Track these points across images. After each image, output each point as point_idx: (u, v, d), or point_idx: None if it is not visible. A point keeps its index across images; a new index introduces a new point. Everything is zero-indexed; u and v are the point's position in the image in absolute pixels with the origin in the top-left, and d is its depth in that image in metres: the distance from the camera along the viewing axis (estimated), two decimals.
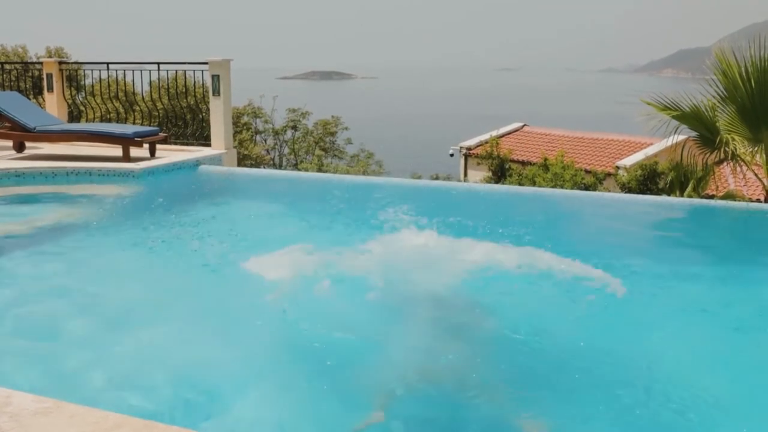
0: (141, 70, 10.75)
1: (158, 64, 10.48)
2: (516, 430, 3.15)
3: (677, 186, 8.74)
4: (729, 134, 7.64)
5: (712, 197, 8.78)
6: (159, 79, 11.30)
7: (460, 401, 3.37)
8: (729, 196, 8.63)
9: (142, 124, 11.27)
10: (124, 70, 10.98)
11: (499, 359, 3.83)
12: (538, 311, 4.53)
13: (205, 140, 10.30)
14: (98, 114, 12.04)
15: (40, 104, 12.05)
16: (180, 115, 11.47)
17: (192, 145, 10.39)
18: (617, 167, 16.98)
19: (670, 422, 3.16)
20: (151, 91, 11.89)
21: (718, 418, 3.23)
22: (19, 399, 2.31)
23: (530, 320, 4.34)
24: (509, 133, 24.91)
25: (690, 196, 8.30)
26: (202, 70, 10.06)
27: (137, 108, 12.18)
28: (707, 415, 3.24)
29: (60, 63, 11.25)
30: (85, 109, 12.56)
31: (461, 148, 23.87)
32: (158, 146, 9.47)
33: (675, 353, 3.85)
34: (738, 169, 7.95)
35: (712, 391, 3.45)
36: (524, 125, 26.06)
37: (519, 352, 3.88)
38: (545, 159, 14.60)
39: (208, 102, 10.10)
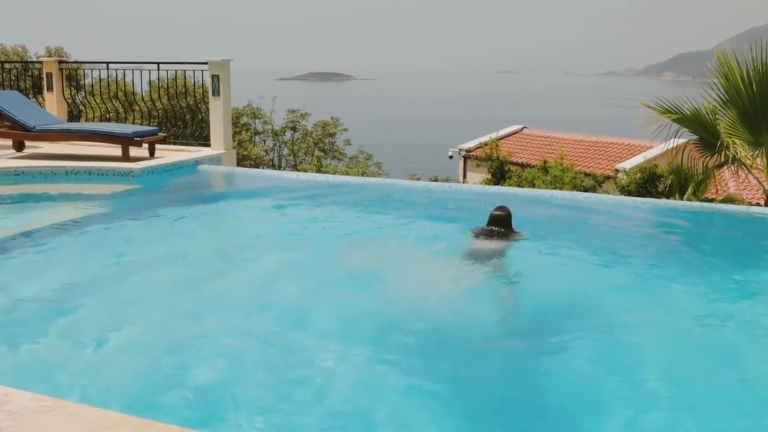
0: (141, 70, 10.74)
1: (158, 64, 10.47)
2: None
3: (677, 189, 8.74)
4: (730, 138, 7.63)
5: (711, 201, 8.78)
6: (159, 79, 11.30)
7: None
8: (729, 199, 8.64)
9: (141, 124, 11.27)
10: (124, 70, 10.97)
11: None
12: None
13: (204, 140, 10.29)
14: (98, 113, 12.04)
15: (39, 103, 12.06)
16: (179, 115, 11.46)
17: (191, 145, 10.38)
18: (617, 170, 16.99)
19: None
20: (150, 91, 11.89)
21: None
22: (18, 397, 2.29)
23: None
24: (509, 135, 24.92)
25: (690, 200, 8.30)
26: (202, 71, 10.05)
27: (137, 108, 12.18)
28: None
29: (60, 62, 11.25)
30: (85, 108, 12.55)
31: (460, 150, 23.87)
32: (157, 146, 9.46)
33: (667, 363, 3.82)
34: (738, 172, 7.94)
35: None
36: (524, 127, 26.06)
37: None
38: (545, 161, 14.60)
39: (208, 102, 10.09)
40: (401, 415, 3.20)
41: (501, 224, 5.61)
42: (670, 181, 9.51)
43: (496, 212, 5.65)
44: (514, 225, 5.67)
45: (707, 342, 4.17)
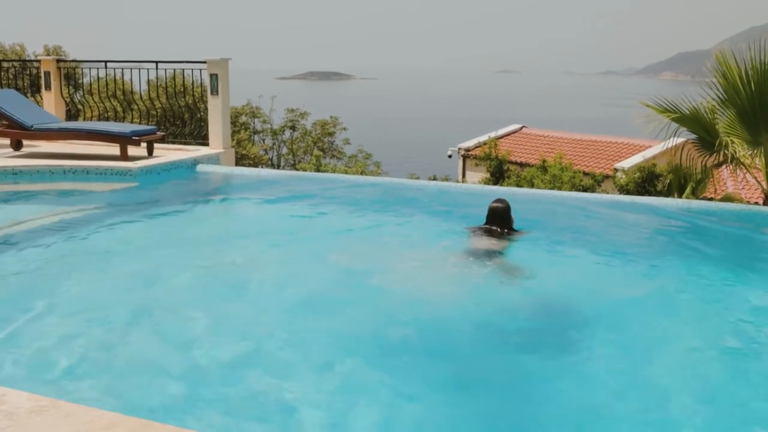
0: (139, 69, 10.72)
1: (156, 63, 10.46)
2: None
3: (676, 188, 8.73)
4: (728, 137, 7.63)
5: (710, 200, 8.77)
6: (157, 78, 11.28)
7: None
8: (728, 198, 8.63)
9: (140, 123, 11.25)
10: (122, 69, 10.95)
11: None
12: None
13: (203, 139, 10.28)
14: (96, 112, 12.01)
15: (37, 102, 12.03)
16: (178, 114, 11.45)
17: (190, 144, 10.37)
18: (616, 169, 16.99)
19: None
20: (149, 90, 11.87)
21: None
22: (15, 397, 2.28)
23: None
24: (508, 134, 24.92)
25: (688, 199, 8.29)
26: (201, 69, 10.04)
27: (135, 107, 12.16)
28: None
29: (58, 61, 11.23)
30: (83, 107, 12.54)
31: (459, 149, 23.86)
32: (156, 145, 9.44)
33: (663, 363, 3.81)
34: (737, 172, 7.94)
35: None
36: (523, 127, 26.06)
37: None
38: (544, 161, 14.60)
39: (207, 101, 10.07)
40: (401, 414, 3.20)
41: (501, 217, 5.57)
42: (668, 181, 9.50)
43: (495, 204, 5.61)
44: (515, 223, 5.66)
45: (706, 338, 4.18)
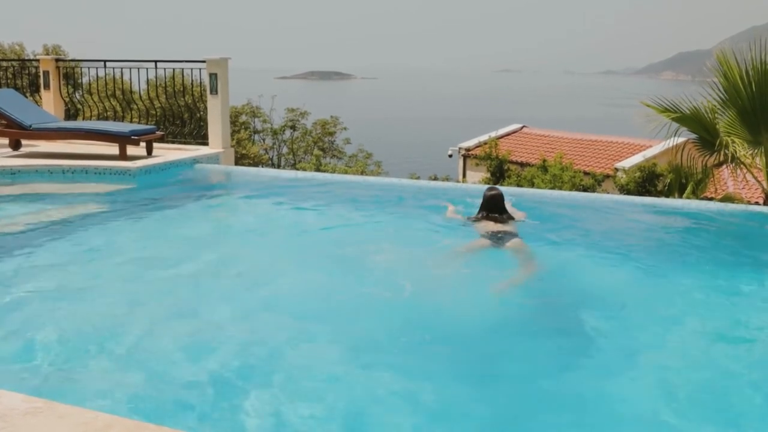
0: (138, 69, 10.70)
1: (156, 62, 10.43)
2: None
3: (676, 188, 8.72)
4: (729, 137, 7.62)
5: (711, 200, 8.76)
6: (156, 77, 11.25)
7: None
8: (728, 198, 8.61)
9: (139, 123, 11.23)
10: (122, 68, 10.93)
11: None
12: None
13: (202, 139, 10.26)
14: (95, 112, 12.00)
15: (36, 102, 12.02)
16: (177, 114, 11.43)
17: (189, 143, 10.35)
18: (616, 169, 16.96)
19: None
20: (148, 90, 11.85)
21: None
22: (9, 399, 2.27)
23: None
24: (508, 134, 24.90)
25: (689, 199, 8.27)
26: (200, 69, 10.01)
27: (134, 106, 12.15)
28: None
29: (57, 60, 11.21)
30: (82, 107, 12.52)
31: (460, 149, 23.85)
32: (155, 145, 9.42)
33: (663, 365, 3.80)
34: (737, 171, 7.92)
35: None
36: (523, 126, 26.04)
37: None
38: (544, 160, 14.57)
39: (206, 101, 10.05)
40: (405, 410, 3.19)
41: (498, 203, 5.77)
42: (669, 180, 9.48)
43: (491, 192, 5.85)
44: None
45: (706, 337, 4.18)
